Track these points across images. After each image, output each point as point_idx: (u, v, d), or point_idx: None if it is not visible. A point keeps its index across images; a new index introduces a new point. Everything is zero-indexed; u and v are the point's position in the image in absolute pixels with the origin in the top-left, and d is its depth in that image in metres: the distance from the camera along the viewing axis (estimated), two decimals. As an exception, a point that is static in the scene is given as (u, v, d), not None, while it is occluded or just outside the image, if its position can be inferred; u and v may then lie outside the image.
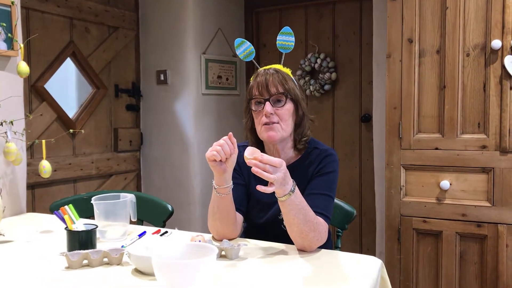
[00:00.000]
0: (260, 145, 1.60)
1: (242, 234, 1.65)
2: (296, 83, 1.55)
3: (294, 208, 1.34)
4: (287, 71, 1.56)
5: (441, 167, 2.14)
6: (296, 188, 1.34)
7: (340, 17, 3.36)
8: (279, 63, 1.59)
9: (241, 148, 1.58)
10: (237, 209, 1.53)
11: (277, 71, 1.52)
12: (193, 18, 3.25)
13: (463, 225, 2.11)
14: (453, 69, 2.10)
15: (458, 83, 2.09)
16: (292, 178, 1.36)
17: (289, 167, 1.51)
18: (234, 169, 1.53)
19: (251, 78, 1.57)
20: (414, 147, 2.18)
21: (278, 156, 1.55)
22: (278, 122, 1.49)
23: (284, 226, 1.43)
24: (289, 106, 1.50)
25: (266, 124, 1.49)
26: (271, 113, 1.48)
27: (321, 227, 1.39)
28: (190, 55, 3.25)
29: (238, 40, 1.58)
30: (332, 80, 3.33)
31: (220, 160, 1.37)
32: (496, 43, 1.99)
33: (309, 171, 1.53)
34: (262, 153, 1.28)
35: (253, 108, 1.52)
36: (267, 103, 1.48)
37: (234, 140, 1.40)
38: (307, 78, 3.40)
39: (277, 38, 1.57)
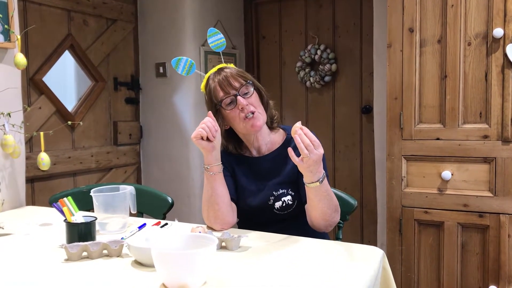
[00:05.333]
0: (237, 142, 1.63)
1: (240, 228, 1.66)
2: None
3: (320, 195, 1.40)
4: (230, 65, 1.60)
5: (443, 157, 2.12)
6: (325, 179, 1.39)
7: (340, 7, 3.33)
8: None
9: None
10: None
11: (227, 67, 1.56)
12: (192, 10, 3.23)
13: (465, 215, 2.10)
14: (454, 58, 2.08)
15: (459, 72, 2.08)
16: (274, 163, 1.49)
17: (274, 153, 1.60)
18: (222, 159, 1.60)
19: (202, 86, 1.60)
20: (415, 137, 2.17)
21: (260, 144, 1.61)
22: (255, 110, 1.53)
23: (277, 210, 1.53)
24: (255, 94, 1.56)
25: (246, 117, 1.52)
26: (246, 104, 1.51)
27: (339, 207, 1.48)
28: (189, 48, 3.23)
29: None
30: (333, 72, 3.31)
31: (208, 139, 1.44)
32: (498, 32, 1.97)
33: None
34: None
35: (225, 108, 1.53)
36: (239, 97, 1.51)
37: (214, 118, 1.47)
38: (307, 70, 3.38)
39: (208, 41, 1.60)
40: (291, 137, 1.57)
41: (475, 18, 2.04)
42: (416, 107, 2.16)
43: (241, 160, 1.63)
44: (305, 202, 1.49)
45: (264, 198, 1.56)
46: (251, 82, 1.54)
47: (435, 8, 2.10)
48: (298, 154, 1.34)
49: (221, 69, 1.56)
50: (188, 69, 1.59)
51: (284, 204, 1.54)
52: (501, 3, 1.97)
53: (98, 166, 3.07)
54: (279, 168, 1.58)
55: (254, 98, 1.54)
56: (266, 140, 1.62)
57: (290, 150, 1.33)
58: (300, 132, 1.31)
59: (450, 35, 2.08)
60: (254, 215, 1.60)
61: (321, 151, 1.32)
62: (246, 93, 1.52)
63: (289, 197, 1.54)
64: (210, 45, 1.60)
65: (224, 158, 1.55)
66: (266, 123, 1.60)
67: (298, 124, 1.33)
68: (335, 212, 1.45)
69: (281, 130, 1.67)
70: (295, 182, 1.55)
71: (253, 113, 1.51)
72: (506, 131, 2.00)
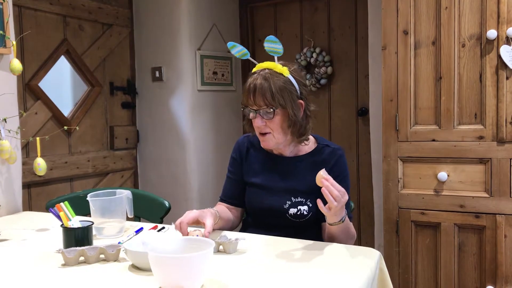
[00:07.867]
0: None
1: (249, 227, 1.67)
2: (291, 84, 1.52)
3: (341, 231, 1.42)
4: (282, 70, 1.51)
5: (438, 158, 2.13)
6: (347, 218, 1.41)
7: (335, 10, 3.35)
8: (274, 60, 1.57)
9: (245, 139, 1.69)
10: (233, 203, 1.65)
11: (266, 78, 1.48)
12: (188, 14, 3.23)
13: (461, 216, 2.10)
14: (449, 60, 2.09)
15: (454, 74, 2.09)
16: (300, 168, 1.51)
17: (299, 158, 1.60)
18: (233, 163, 1.67)
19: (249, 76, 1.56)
20: (411, 139, 2.18)
21: (281, 151, 1.61)
22: (270, 132, 1.52)
23: (290, 216, 1.53)
24: (278, 118, 1.50)
25: (260, 133, 1.54)
26: (262, 125, 1.51)
27: (355, 235, 1.50)
28: (185, 52, 3.23)
29: (230, 44, 1.57)
30: (328, 74, 3.32)
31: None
32: (492, 33, 1.99)
33: (322, 167, 1.51)
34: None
35: (246, 115, 1.55)
36: (258, 116, 1.50)
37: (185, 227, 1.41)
38: (303, 73, 3.39)
39: (264, 44, 1.54)
40: (322, 147, 1.62)
41: (469, 20, 2.05)
42: (411, 108, 2.17)
43: (269, 156, 1.63)
44: (323, 220, 1.52)
45: (280, 201, 1.56)
46: (273, 108, 1.48)
47: (429, 11, 2.12)
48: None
49: (260, 75, 1.50)
50: (242, 55, 1.56)
51: (299, 213, 1.54)
52: (494, 5, 1.99)
53: (94, 171, 3.06)
54: (303, 175, 1.57)
55: (274, 123, 1.50)
56: (291, 148, 1.61)
57: (319, 202, 1.30)
58: (327, 184, 1.27)
59: (444, 37, 2.09)
60: (266, 215, 1.59)
61: (346, 198, 1.30)
62: (267, 114, 1.49)
63: (305, 208, 1.54)
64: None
65: (244, 157, 1.64)
66: (294, 138, 1.57)
67: (323, 174, 1.29)
68: (351, 240, 1.48)
69: (311, 137, 1.65)
70: (316, 195, 1.51)
71: (267, 133, 1.52)
72: (501, 131, 2.01)
